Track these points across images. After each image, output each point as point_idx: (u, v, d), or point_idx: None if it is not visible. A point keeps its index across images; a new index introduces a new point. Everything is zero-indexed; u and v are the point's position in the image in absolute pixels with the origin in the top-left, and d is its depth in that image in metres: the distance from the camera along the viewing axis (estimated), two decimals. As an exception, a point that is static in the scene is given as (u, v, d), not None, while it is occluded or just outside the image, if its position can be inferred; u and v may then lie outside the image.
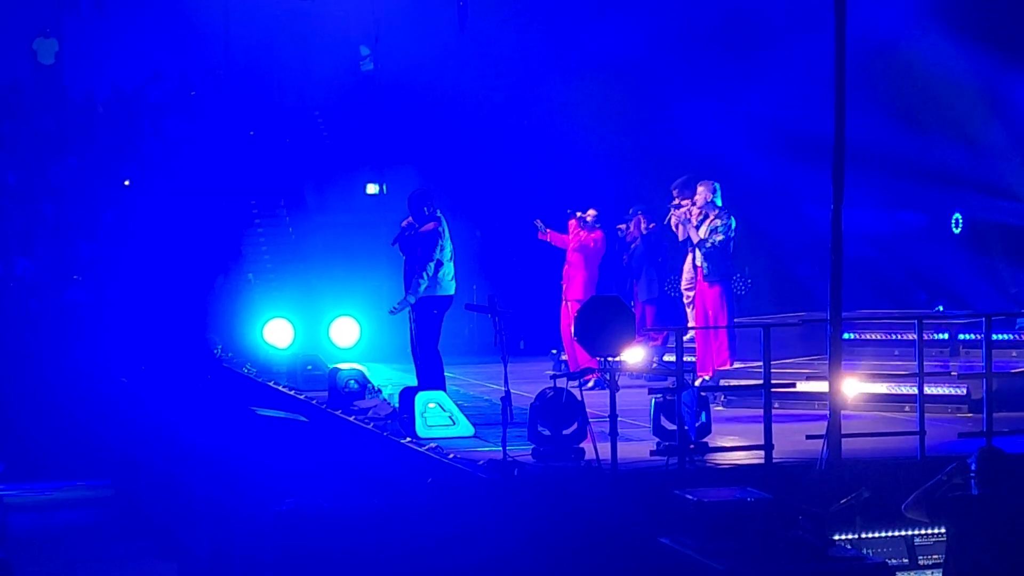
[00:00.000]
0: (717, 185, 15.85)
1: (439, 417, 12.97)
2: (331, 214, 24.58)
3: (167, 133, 27.22)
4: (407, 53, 25.61)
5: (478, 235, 23.54)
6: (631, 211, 17.96)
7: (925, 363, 11.90)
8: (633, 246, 17.80)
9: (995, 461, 9.24)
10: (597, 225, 17.47)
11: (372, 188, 25.53)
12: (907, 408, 13.08)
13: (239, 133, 26.54)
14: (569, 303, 17.11)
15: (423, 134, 25.05)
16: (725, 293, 15.68)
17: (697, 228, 15.61)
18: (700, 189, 15.78)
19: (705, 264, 15.57)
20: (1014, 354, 15.75)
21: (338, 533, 11.30)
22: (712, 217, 15.61)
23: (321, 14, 27.25)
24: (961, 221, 19.55)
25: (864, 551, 10.33)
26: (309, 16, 27.34)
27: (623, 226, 17.95)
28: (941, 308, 18.13)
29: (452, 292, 14.14)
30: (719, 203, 15.76)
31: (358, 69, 27.46)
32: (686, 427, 11.20)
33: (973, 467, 9.21)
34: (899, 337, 16.09)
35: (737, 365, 15.49)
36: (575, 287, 17.30)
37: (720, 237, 15.52)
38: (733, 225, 15.75)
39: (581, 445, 11.40)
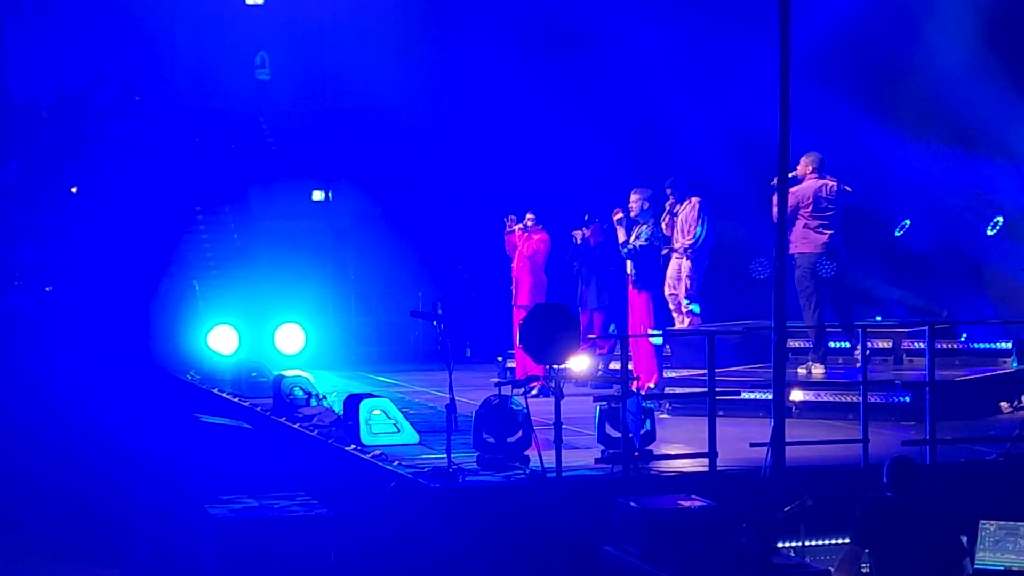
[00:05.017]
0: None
1: (384, 424, 12.95)
2: (277, 220, 24.50)
3: (111, 137, 26.98)
4: (351, 61, 25.58)
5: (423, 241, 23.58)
6: (586, 217, 17.86)
7: (869, 372, 12.00)
8: (590, 250, 17.69)
9: (906, 468, 9.52)
10: (540, 226, 17.54)
11: (318, 195, 25.49)
12: (851, 416, 13.14)
13: (184, 138, 26.39)
14: (518, 309, 17.12)
15: (368, 141, 25.04)
16: (652, 302, 15.70)
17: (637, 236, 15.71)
18: (635, 197, 15.84)
19: (633, 271, 15.66)
20: (957, 363, 15.87)
21: (282, 540, 11.24)
22: (642, 225, 15.71)
23: (271, 21, 27.22)
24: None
25: (807, 559, 10.39)
26: (252, 21, 27.29)
27: (578, 232, 17.84)
28: (879, 318, 18.19)
29: None
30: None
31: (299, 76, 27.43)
32: (631, 435, 11.20)
33: (886, 477, 9.47)
34: (844, 345, 16.18)
35: (684, 373, 15.52)
36: (522, 293, 17.31)
37: (643, 243, 15.56)
38: (659, 234, 15.92)
39: (526, 453, 11.40)
